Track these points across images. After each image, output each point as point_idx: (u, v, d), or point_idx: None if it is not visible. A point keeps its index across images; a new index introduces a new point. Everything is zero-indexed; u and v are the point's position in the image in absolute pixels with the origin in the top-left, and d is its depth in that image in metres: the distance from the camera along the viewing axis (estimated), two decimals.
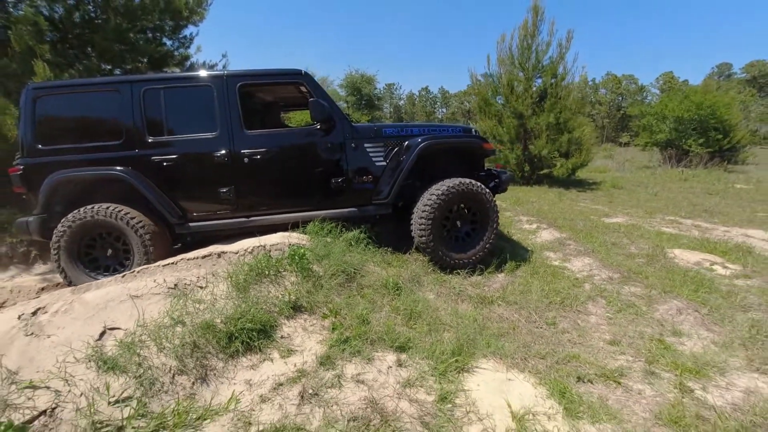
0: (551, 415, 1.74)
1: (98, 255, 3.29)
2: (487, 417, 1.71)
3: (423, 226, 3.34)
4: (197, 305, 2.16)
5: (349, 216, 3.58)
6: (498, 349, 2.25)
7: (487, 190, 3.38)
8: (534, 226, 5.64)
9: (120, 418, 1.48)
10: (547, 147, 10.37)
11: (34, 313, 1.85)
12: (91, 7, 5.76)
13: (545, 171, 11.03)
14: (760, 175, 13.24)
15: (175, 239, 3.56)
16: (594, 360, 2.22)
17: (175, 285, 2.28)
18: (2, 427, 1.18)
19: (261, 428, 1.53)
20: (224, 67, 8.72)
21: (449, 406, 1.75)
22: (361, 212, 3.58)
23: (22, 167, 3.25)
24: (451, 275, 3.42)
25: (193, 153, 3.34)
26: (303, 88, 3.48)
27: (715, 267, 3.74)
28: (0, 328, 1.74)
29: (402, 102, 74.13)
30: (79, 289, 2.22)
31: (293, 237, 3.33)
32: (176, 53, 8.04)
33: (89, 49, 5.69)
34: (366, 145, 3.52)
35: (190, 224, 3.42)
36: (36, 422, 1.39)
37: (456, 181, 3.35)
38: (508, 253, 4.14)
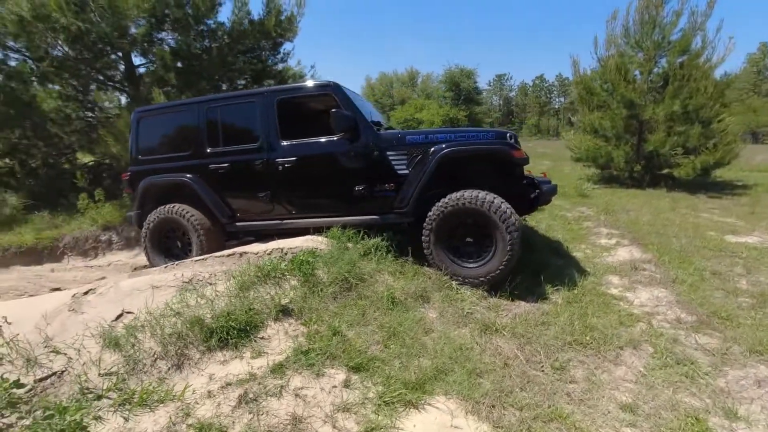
0: None
1: (171, 245, 4.06)
2: None
3: (425, 238, 3.26)
4: (200, 299, 2.51)
5: (371, 223, 3.60)
6: (468, 387, 2.01)
7: (499, 206, 2.98)
8: (613, 241, 4.74)
9: (102, 388, 1.86)
10: (668, 142, 8.46)
11: (86, 293, 2.45)
12: (206, 38, 6.98)
13: (666, 171, 9.03)
14: None
15: (230, 235, 4.13)
16: (585, 426, 1.80)
17: (190, 280, 2.69)
18: (7, 384, 1.63)
19: (192, 422, 1.72)
20: (312, 76, 9.57)
21: None
22: (383, 220, 3.57)
23: (129, 174, 4.22)
24: (469, 293, 3.15)
25: (239, 161, 3.81)
26: (333, 99, 3.61)
27: None
28: (56, 302, 2.36)
29: (513, 93, 69.10)
30: (131, 275, 2.81)
31: (315, 241, 3.52)
32: (275, 68, 9.14)
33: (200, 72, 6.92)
34: (388, 153, 3.47)
35: (237, 224, 3.94)
36: (48, 380, 1.86)
37: (458, 194, 3.12)
38: (554, 272, 3.60)
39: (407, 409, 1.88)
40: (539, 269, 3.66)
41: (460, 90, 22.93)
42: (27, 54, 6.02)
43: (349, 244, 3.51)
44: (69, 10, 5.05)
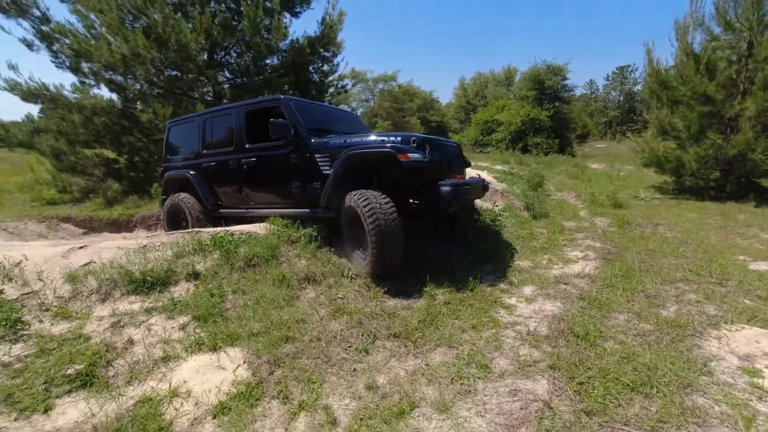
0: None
1: (181, 222, 5.28)
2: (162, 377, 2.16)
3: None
4: (142, 259, 3.47)
5: (304, 216, 4.18)
6: (267, 347, 2.45)
7: (361, 203, 3.23)
8: (582, 254, 4.33)
9: (52, 304, 2.90)
10: (759, 144, 6.78)
11: (80, 248, 3.63)
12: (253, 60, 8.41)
13: (761, 179, 7.18)
14: None
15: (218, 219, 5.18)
16: (323, 390, 2.10)
17: (144, 246, 3.69)
18: None
19: (71, 328, 2.60)
20: (352, 85, 10.36)
21: (162, 369, 2.30)
22: (313, 213, 4.11)
23: (162, 169, 5.63)
24: (360, 282, 3.45)
25: (221, 161, 4.79)
26: (281, 109, 4.27)
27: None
28: (59, 250, 3.56)
29: (638, 88, 59.30)
30: (111, 239, 3.98)
31: (259, 227, 4.25)
32: (326, 80, 10.28)
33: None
34: (317, 156, 3.99)
35: (221, 210, 4.94)
36: (27, 295, 2.98)
37: (353, 193, 3.42)
38: (464, 275, 3.62)
39: (210, 351, 2.44)
40: (448, 271, 3.73)
41: (545, 88, 21.14)
42: (141, 80, 8.27)
43: (288, 231, 4.16)
44: (152, 47, 6.87)
